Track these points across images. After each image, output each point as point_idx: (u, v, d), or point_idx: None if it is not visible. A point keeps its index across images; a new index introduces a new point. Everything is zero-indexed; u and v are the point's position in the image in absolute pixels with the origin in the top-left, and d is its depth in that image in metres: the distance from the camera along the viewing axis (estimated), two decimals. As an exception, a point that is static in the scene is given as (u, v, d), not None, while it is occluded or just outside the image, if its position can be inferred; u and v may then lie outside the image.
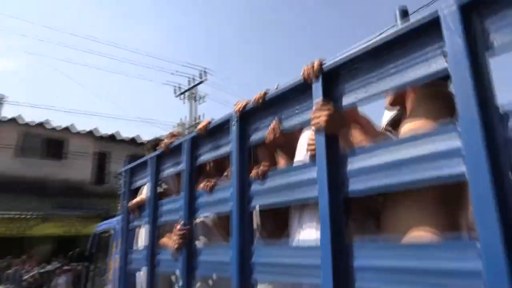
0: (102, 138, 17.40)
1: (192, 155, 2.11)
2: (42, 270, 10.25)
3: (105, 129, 18.64)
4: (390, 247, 0.99)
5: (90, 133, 16.92)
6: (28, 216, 14.10)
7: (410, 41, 1.00)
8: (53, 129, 16.11)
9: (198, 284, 2.28)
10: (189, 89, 16.01)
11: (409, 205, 1.12)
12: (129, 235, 2.92)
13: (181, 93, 16.19)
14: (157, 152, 2.50)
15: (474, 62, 0.84)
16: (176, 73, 14.07)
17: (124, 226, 2.92)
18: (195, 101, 16.01)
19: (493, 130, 0.79)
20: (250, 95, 1.66)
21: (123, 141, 17.90)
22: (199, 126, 2.06)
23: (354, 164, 1.11)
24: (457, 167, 0.84)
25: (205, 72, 15.53)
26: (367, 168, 1.06)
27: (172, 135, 2.70)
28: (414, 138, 0.96)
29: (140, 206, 2.72)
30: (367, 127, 1.49)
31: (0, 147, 13.70)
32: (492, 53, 0.82)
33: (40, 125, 15.74)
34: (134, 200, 2.80)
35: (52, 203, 15.49)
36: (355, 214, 1.44)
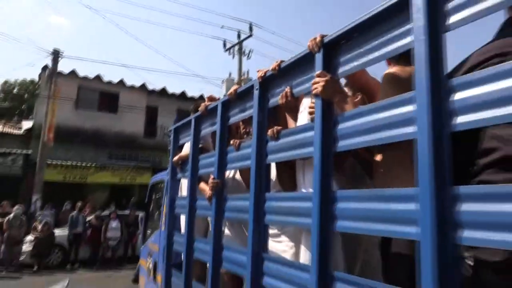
0: (153, 92, 18.27)
1: (223, 116, 2.41)
2: (102, 214, 11.48)
3: (153, 84, 19.46)
4: (360, 194, 1.25)
5: (142, 87, 17.82)
6: (88, 165, 15.53)
7: (390, 18, 1.19)
8: (109, 82, 17.15)
9: (227, 231, 2.69)
10: (238, 43, 16.16)
11: (390, 162, 1.35)
12: (175, 185, 3.38)
13: (231, 47, 16.40)
14: (197, 114, 2.83)
15: (432, 39, 1.02)
16: (225, 28, 14.24)
17: (170, 177, 3.38)
18: (244, 55, 16.19)
19: (440, 99, 0.98)
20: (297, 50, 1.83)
21: (173, 95, 18.70)
22: (230, 91, 2.34)
23: (342, 125, 1.35)
24: (410, 128, 1.05)
25: (251, 27, 15.57)
26: (350, 128, 1.30)
27: (211, 99, 3.01)
28: (380, 105, 1.18)
29: (183, 161, 3.13)
30: (375, 87, 1.69)
31: (61, 100, 14.90)
32: (448, 30, 1.00)
33: (97, 78, 16.82)
34: (177, 156, 3.22)
35: (107, 153, 16.85)
36: (353, 169, 1.69)
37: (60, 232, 10.94)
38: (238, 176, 2.68)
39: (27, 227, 10.53)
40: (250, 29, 15.71)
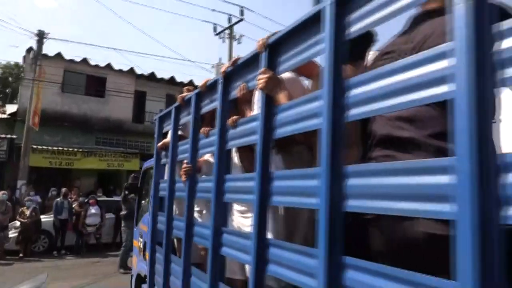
0: (142, 77, 18.42)
1: (197, 106, 2.71)
2: (86, 200, 11.78)
3: (142, 69, 19.59)
4: (286, 173, 1.56)
5: (130, 71, 17.97)
6: (75, 150, 15.75)
7: (312, 26, 1.48)
8: (96, 66, 17.28)
9: (198, 209, 3.02)
10: (229, 27, 16.35)
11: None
12: (159, 170, 3.71)
13: (221, 31, 16.58)
14: (176, 104, 3.14)
15: (336, 46, 1.31)
16: (216, 11, 14.46)
17: (155, 163, 3.74)
18: (235, 40, 16.39)
19: (338, 96, 1.28)
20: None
21: (162, 80, 18.87)
22: (200, 84, 2.63)
23: (279, 116, 1.65)
24: (316, 120, 1.36)
25: (242, 11, 15.78)
26: (283, 119, 1.61)
27: (188, 90, 3.31)
28: (300, 101, 1.49)
29: (166, 147, 3.44)
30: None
31: (46, 83, 15.04)
32: (349, 38, 1.29)
33: (84, 61, 16.94)
34: (161, 142, 3.55)
35: (94, 138, 17.09)
36: (300, 153, 2.00)
37: (46, 218, 11.23)
38: (211, 159, 2.99)
39: (13, 213, 10.80)
40: (241, 13, 15.92)
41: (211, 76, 15.88)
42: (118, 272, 8.74)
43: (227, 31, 16.48)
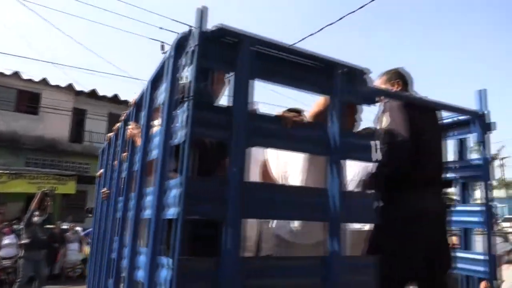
0: (82, 93, 18.92)
1: (115, 144, 3.70)
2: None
3: (82, 85, 19.98)
4: (146, 191, 2.54)
5: (69, 87, 18.42)
6: (0, 172, 15.62)
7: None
8: (29, 80, 17.55)
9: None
10: (176, 46, 17.37)
11: None
12: (98, 195, 4.73)
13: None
14: (105, 143, 4.22)
15: (146, 125, 2.32)
16: (163, 29, 15.28)
17: (97, 189, 4.90)
18: (182, 59, 17.41)
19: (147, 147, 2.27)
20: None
21: (104, 97, 19.45)
22: (114, 127, 3.66)
23: (135, 156, 2.62)
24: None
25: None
26: (137, 157, 2.57)
27: (114, 131, 4.34)
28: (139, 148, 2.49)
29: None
30: None
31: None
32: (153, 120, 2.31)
33: (15, 74, 17.22)
34: (99, 172, 4.75)
35: (24, 159, 17.19)
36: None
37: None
38: None
39: None
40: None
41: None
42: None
43: (173, 50, 17.51)
